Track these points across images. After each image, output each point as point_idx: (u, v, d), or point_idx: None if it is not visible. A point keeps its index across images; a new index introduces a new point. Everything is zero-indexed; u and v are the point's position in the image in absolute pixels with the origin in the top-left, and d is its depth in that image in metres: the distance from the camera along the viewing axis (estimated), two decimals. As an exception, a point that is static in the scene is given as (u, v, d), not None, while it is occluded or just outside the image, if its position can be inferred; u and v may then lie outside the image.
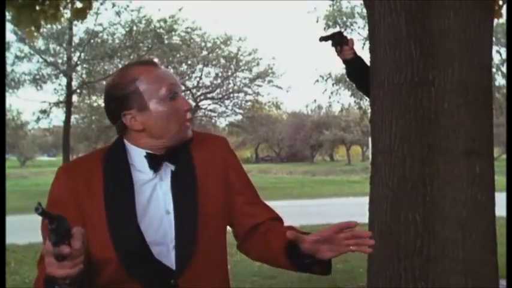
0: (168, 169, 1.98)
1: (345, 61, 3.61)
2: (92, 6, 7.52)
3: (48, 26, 19.56)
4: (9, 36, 27.41)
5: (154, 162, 1.97)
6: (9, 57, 28.46)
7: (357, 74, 3.69)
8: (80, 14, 7.22)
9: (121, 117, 1.95)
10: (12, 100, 54.23)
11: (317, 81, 32.66)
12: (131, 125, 1.95)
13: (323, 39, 3.54)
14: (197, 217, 1.99)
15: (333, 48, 3.66)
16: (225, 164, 2.08)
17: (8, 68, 28.73)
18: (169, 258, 1.93)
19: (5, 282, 1.65)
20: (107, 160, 1.99)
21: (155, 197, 1.96)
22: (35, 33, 7.13)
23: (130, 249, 1.86)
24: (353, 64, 3.62)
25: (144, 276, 1.88)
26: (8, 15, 6.59)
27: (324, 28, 27.62)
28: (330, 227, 1.88)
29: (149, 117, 1.94)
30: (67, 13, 7.51)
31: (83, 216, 1.86)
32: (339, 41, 3.52)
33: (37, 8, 6.67)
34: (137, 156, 1.98)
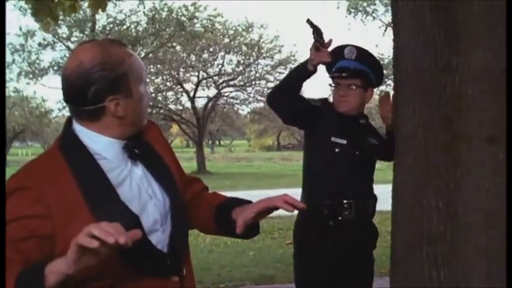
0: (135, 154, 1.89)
1: (316, 65, 3.51)
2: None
3: (72, 14, 19.69)
4: (33, 25, 27.70)
5: (132, 152, 1.88)
6: (33, 45, 28.82)
7: (300, 83, 3.64)
8: (98, 5, 7.15)
9: (102, 101, 1.79)
10: (37, 88, 54.79)
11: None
12: (115, 111, 1.81)
13: (309, 22, 3.45)
14: (181, 201, 1.99)
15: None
16: (168, 146, 2.10)
17: (32, 56, 29.06)
18: (162, 245, 1.86)
19: (5, 280, 1.64)
20: (66, 155, 1.81)
21: (135, 185, 1.86)
22: (51, 25, 7.12)
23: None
24: (311, 74, 3.57)
25: (142, 263, 1.78)
26: (27, 6, 6.64)
27: (346, 16, 27.57)
28: (271, 201, 1.96)
29: (131, 104, 1.83)
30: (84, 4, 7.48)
31: (54, 229, 1.70)
32: (319, 39, 3.45)
33: (55, -1, 6.67)
34: (108, 146, 1.84)
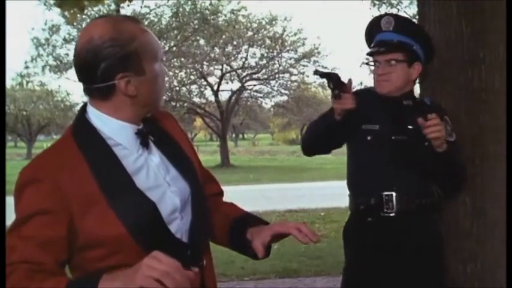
0: (149, 140, 1.82)
1: (342, 114, 3.05)
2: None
3: (96, 8, 19.83)
4: (58, 19, 27.99)
5: (145, 139, 1.81)
6: (58, 40, 29.16)
7: (338, 130, 3.16)
8: None
9: (112, 78, 1.71)
10: (62, 82, 55.30)
11: (363, 63, 32.45)
12: (125, 90, 1.72)
13: (318, 73, 3.12)
14: (201, 188, 1.93)
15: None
16: (185, 136, 2.02)
17: (57, 50, 29.40)
18: (181, 233, 1.82)
19: (5, 279, 1.62)
20: (79, 141, 1.75)
21: (152, 173, 1.80)
22: (78, 16, 7.12)
23: (141, 222, 1.69)
24: (341, 124, 3.10)
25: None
26: (52, 1, 6.69)
27: (370, 8, 27.40)
28: (286, 227, 1.97)
29: (143, 82, 1.74)
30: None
31: (72, 220, 1.66)
32: (337, 85, 3.03)
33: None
34: (120, 129, 1.77)
